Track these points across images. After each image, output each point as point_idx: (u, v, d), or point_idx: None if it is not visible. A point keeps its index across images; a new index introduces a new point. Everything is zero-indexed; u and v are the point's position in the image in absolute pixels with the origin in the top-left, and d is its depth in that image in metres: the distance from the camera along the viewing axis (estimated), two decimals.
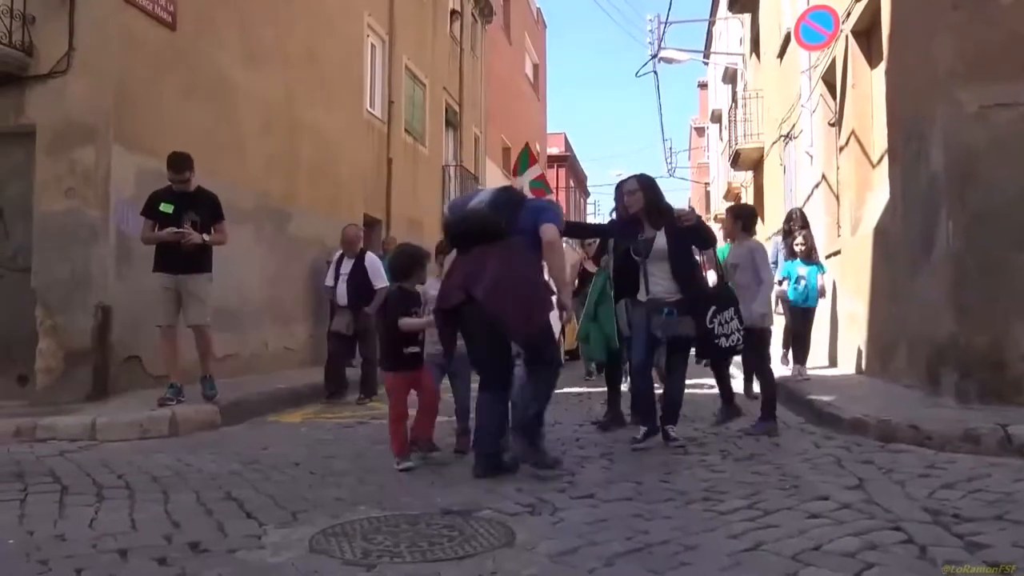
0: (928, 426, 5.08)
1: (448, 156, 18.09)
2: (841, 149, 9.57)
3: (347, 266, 7.96)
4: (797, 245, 8.22)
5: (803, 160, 12.16)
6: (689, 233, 5.20)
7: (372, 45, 13.67)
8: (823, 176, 10.57)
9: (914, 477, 4.10)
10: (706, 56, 29.84)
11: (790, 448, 5.08)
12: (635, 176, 5.41)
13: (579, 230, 6.81)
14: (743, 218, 6.09)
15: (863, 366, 8.41)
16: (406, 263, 4.75)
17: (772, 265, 7.81)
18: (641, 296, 5.17)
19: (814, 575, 2.58)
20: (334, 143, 11.53)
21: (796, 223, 8.36)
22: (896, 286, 7.18)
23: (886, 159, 7.98)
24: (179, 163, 6.30)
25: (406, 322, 4.51)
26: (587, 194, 51.80)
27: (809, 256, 8.26)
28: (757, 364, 6.00)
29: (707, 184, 44.39)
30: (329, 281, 8.11)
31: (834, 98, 10.39)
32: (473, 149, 20.08)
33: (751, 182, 18.99)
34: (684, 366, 5.42)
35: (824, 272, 8.42)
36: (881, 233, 7.76)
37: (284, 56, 10.05)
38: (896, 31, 7.12)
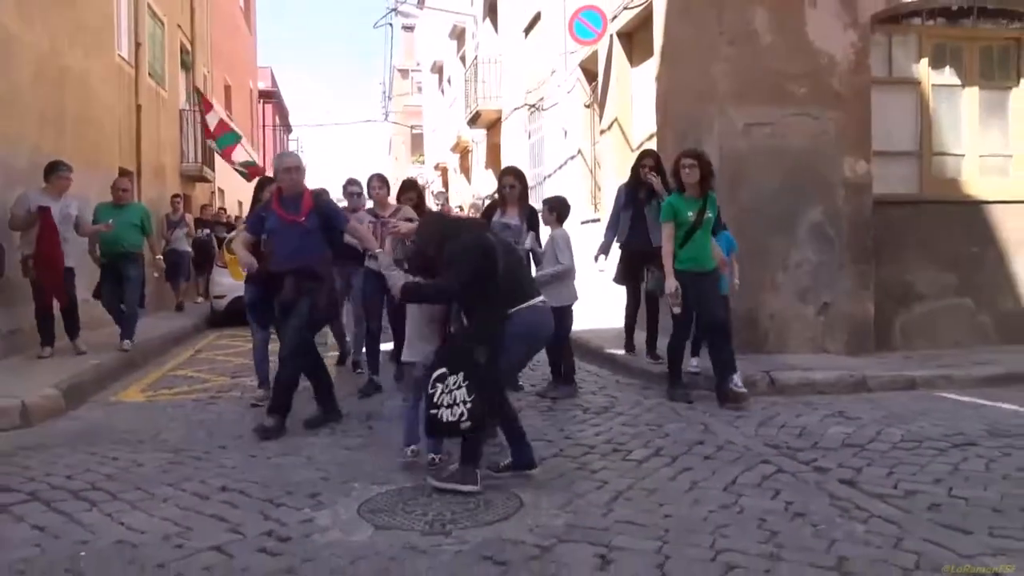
0: None
1: (182, 100, 17.08)
2: (603, 132, 11.09)
3: None
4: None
5: (554, 132, 13.65)
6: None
7: None
8: (579, 151, 12.10)
9: (733, 419, 5.55)
10: (421, 5, 30.70)
11: (624, 400, 6.33)
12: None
13: None
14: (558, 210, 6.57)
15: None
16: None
17: None
18: None
19: (749, 504, 3.76)
20: (94, 91, 10.68)
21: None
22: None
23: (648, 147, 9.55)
24: None
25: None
26: (289, 130, 50.71)
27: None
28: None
29: (413, 127, 45.77)
30: None
31: (590, 83, 11.89)
32: (204, 90, 19.01)
33: (484, 139, 20.38)
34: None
35: (735, 251, 6.63)
36: None
37: None
38: (670, 49, 8.57)
